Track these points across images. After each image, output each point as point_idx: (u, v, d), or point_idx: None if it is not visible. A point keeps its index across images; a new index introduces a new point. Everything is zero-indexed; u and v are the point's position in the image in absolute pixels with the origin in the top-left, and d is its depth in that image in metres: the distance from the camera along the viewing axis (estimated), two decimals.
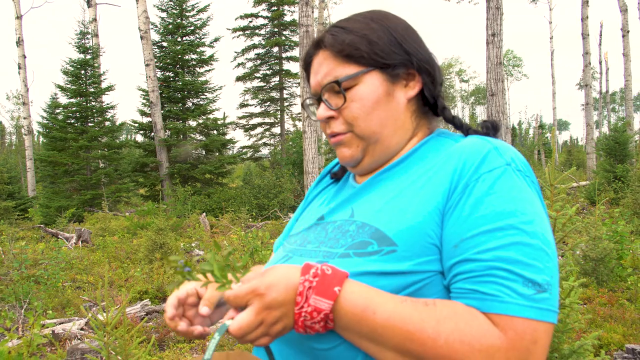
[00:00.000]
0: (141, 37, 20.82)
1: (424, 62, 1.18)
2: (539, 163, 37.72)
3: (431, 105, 1.22)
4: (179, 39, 23.27)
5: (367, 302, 0.93)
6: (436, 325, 0.90)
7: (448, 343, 0.89)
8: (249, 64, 29.03)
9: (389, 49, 1.14)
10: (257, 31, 28.46)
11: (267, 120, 29.60)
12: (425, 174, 1.09)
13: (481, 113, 76.51)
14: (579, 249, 7.43)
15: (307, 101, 1.31)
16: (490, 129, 1.18)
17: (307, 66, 1.26)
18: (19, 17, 23.90)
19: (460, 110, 79.17)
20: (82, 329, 5.85)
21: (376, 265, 1.00)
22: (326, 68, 1.17)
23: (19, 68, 23.92)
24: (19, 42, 23.78)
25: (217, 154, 23.02)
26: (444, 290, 1.00)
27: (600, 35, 39.33)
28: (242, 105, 29.34)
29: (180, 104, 22.93)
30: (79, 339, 5.40)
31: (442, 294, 1.00)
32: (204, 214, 15.48)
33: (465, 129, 1.20)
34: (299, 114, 28.26)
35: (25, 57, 24.07)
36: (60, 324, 6.00)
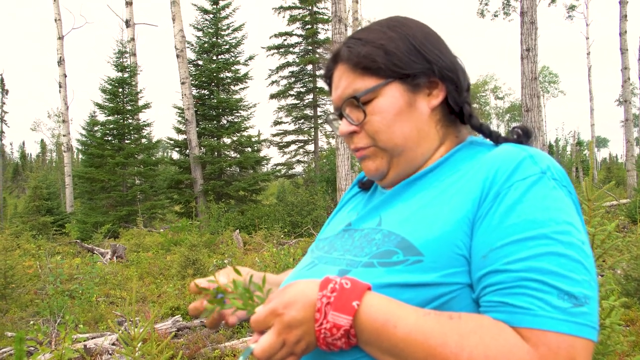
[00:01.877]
0: (177, 56, 21.16)
1: (447, 69, 1.13)
2: (577, 181, 37.04)
3: (457, 113, 1.17)
4: (214, 58, 23.55)
5: (387, 316, 0.89)
6: (460, 339, 0.85)
7: (472, 359, 0.83)
8: (283, 82, 29.22)
9: (408, 58, 1.10)
10: (291, 49, 28.66)
11: (300, 137, 29.67)
12: (456, 183, 1.05)
13: None
14: (619, 268, 7.22)
15: (331, 117, 1.27)
16: (522, 135, 1.12)
17: (328, 81, 1.23)
18: (60, 38, 24.58)
19: (495, 128, 78.29)
20: (113, 344, 5.88)
21: (401, 276, 0.96)
22: (345, 82, 1.14)
23: (60, 87, 24.55)
24: (60, 62, 24.42)
25: (251, 171, 23.14)
26: (473, 303, 0.95)
27: None
28: (276, 123, 29.48)
29: (215, 122, 23.16)
30: (110, 354, 5.43)
31: (471, 308, 0.95)
32: (237, 230, 15.54)
33: (494, 137, 1.14)
34: (332, 131, 28.27)
35: (65, 76, 24.69)
36: (92, 338, 6.04)
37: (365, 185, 1.36)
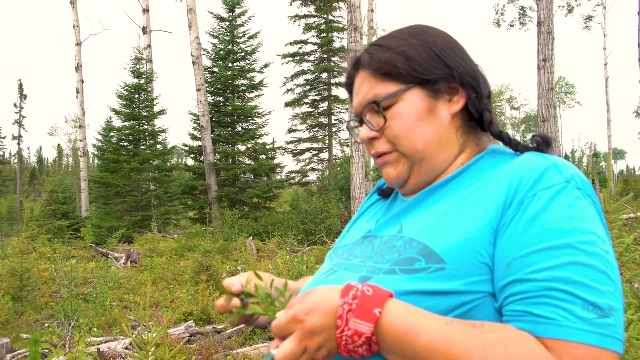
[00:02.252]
0: (193, 63, 21.30)
1: (467, 75, 1.13)
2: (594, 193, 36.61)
3: (478, 120, 1.17)
4: (230, 65, 23.68)
5: (409, 324, 0.88)
6: (483, 349, 0.83)
7: None
8: (298, 90, 29.30)
9: (429, 64, 1.11)
10: (306, 57, 28.75)
11: (315, 145, 29.70)
12: (479, 191, 1.04)
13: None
14: (637, 282, 7.13)
15: (351, 124, 1.26)
16: (542, 143, 1.11)
17: (349, 87, 1.23)
18: (78, 44, 24.83)
19: None
20: (127, 348, 5.91)
21: (423, 284, 0.95)
22: (366, 88, 1.14)
23: (77, 92, 24.79)
24: (78, 68, 24.67)
25: (266, 178, 23.18)
26: (496, 313, 0.94)
27: None
28: (291, 131, 29.54)
29: (230, 129, 23.27)
30: (123, 358, 5.46)
31: (494, 317, 0.93)
32: (251, 237, 15.55)
33: (514, 145, 1.13)
34: (347, 139, 28.29)
35: (83, 82, 24.95)
36: (106, 342, 6.08)
37: (385, 193, 1.36)
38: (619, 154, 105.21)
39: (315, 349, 0.91)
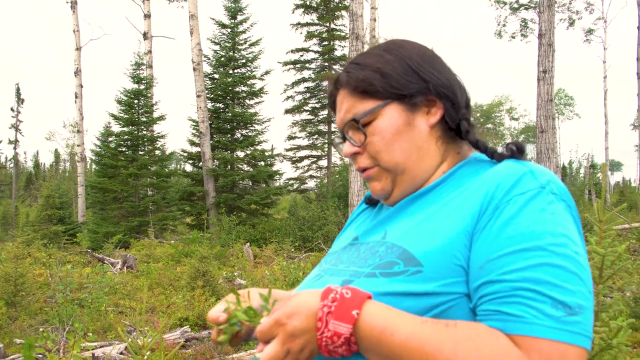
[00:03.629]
0: (194, 69, 21.32)
1: (442, 86, 1.16)
2: (590, 203, 36.79)
3: (456, 129, 1.21)
4: (231, 72, 23.66)
5: (385, 323, 0.92)
6: (454, 346, 0.87)
7: None
8: (298, 97, 29.35)
9: (404, 79, 1.15)
10: (307, 65, 28.81)
11: (314, 152, 29.72)
12: (458, 198, 1.08)
13: (531, 151, 75.38)
14: (629, 291, 7.20)
15: (336, 140, 1.33)
16: (516, 151, 1.14)
17: (332, 105, 1.28)
18: (78, 49, 24.81)
19: None
20: (121, 353, 5.85)
21: (401, 286, 1.00)
22: (346, 106, 1.19)
23: (76, 97, 24.74)
24: (77, 73, 24.64)
25: (264, 185, 23.15)
26: (470, 313, 0.98)
27: None
28: (290, 138, 29.56)
29: (229, 135, 23.24)
30: None
31: (468, 317, 0.97)
32: (248, 244, 15.52)
33: (489, 152, 1.17)
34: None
35: (82, 86, 24.89)
36: (100, 347, 6.01)
37: (373, 202, 1.42)
38: (615, 166, 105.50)
39: (297, 350, 0.94)
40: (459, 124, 1.19)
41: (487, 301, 0.93)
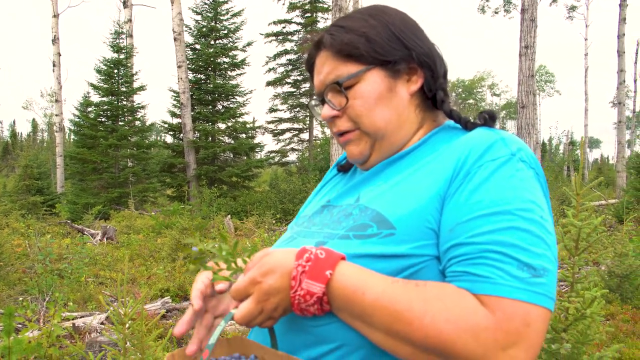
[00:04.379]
0: (174, 39, 21.03)
1: (424, 55, 1.18)
2: (568, 179, 37.22)
3: (432, 98, 1.23)
4: (212, 42, 23.40)
5: (357, 283, 0.94)
6: (423, 304, 0.90)
7: (434, 322, 0.88)
8: (280, 69, 29.18)
9: (389, 46, 1.16)
10: (289, 37, 28.61)
11: (295, 125, 29.66)
12: (432, 163, 1.11)
13: (511, 127, 75.85)
14: (604, 265, 7.34)
15: (312, 102, 1.33)
16: (488, 119, 1.17)
17: (310, 67, 1.28)
18: (55, 16, 24.32)
19: None
20: (102, 323, 5.86)
21: (374, 248, 1.02)
22: (328, 68, 1.19)
23: (54, 66, 24.29)
24: (55, 40, 24.17)
25: (245, 157, 23.09)
26: (440, 274, 1.00)
27: (637, 53, 38.69)
28: (272, 110, 29.45)
29: (210, 107, 23.07)
30: (99, 333, 5.40)
31: (438, 278, 1.00)
32: (229, 216, 15.52)
33: (463, 122, 1.19)
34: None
35: (60, 55, 24.42)
36: (81, 317, 6.02)
37: (344, 168, 1.43)
38: (594, 143, 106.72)
39: (271, 308, 0.98)
40: (435, 94, 1.21)
41: (455, 263, 0.96)
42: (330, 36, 1.18)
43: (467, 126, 1.17)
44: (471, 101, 72.39)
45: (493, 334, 0.87)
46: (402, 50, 1.16)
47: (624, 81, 24.97)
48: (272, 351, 1.03)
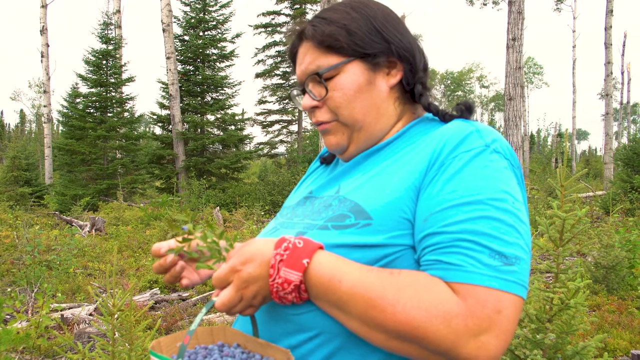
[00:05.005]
0: (163, 30, 20.92)
1: (404, 49, 1.20)
2: (556, 171, 37.39)
3: (410, 92, 1.25)
4: (201, 34, 23.31)
5: (333, 271, 0.97)
6: (397, 292, 0.92)
7: (406, 309, 0.90)
8: (269, 61, 29.13)
9: (369, 39, 1.17)
10: (278, 28, 28.51)
11: (284, 117, 29.66)
12: (409, 154, 1.13)
13: (500, 119, 76.10)
14: (590, 256, 7.39)
15: (294, 92, 1.34)
16: (464, 110, 1.20)
17: (293, 57, 1.29)
18: (44, 6, 24.11)
19: (479, 116, 78.80)
20: (90, 314, 5.88)
21: (351, 238, 1.04)
22: (309, 59, 1.20)
23: (42, 56, 24.12)
24: (43, 31, 23.99)
25: (234, 149, 23.05)
26: (415, 263, 1.02)
27: (624, 45, 39.01)
28: (261, 102, 29.41)
29: (199, 98, 23.00)
30: (87, 324, 5.42)
31: (413, 267, 1.02)
32: (218, 208, 15.52)
33: (441, 114, 1.21)
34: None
35: (48, 45, 24.25)
36: (69, 308, 6.03)
37: (327, 160, 1.46)
38: (582, 135, 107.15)
39: (250, 296, 1.00)
40: (414, 87, 1.23)
41: (429, 252, 0.98)
42: (312, 27, 1.20)
43: (445, 118, 1.20)
44: (460, 93, 72.51)
45: (464, 320, 0.89)
46: (382, 44, 1.17)
47: (612, 73, 25.14)
48: (254, 339, 1.06)
